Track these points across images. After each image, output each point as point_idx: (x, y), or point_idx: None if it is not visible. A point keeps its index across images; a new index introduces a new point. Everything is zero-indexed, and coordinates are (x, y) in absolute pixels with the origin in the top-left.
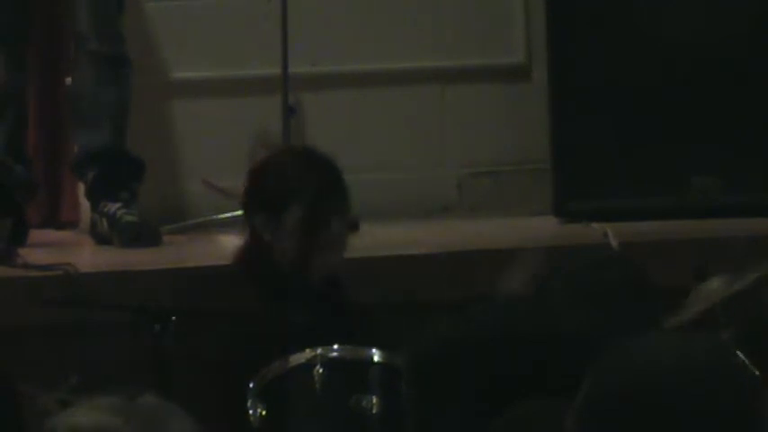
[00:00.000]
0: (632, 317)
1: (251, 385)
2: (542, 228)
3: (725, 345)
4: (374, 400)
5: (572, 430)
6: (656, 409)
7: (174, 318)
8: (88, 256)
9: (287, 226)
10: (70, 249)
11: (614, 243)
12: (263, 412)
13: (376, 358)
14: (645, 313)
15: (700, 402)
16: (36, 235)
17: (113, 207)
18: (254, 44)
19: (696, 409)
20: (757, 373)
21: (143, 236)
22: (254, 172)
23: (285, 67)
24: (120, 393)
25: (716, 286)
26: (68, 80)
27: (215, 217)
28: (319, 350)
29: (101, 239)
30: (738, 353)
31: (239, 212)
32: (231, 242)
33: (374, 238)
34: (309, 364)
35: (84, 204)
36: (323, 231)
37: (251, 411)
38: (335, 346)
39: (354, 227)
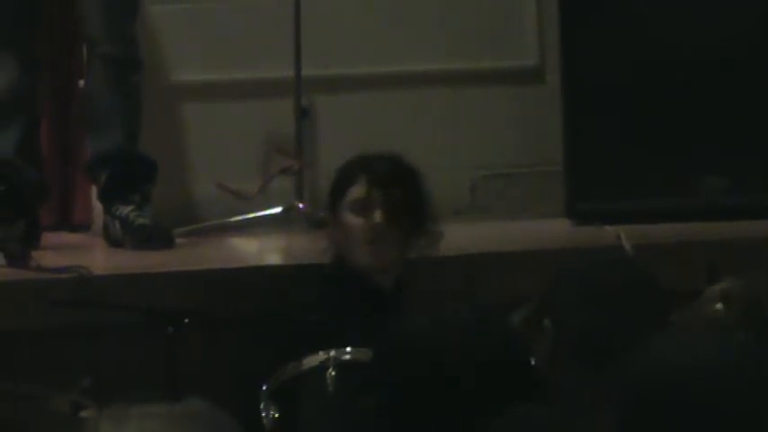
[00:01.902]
0: (638, 319)
1: (264, 387)
2: (555, 230)
3: (753, 343)
4: None
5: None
6: (690, 408)
7: (186, 320)
8: (101, 259)
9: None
10: (83, 252)
11: (627, 245)
12: (277, 414)
13: None
14: (652, 315)
15: (738, 401)
16: (49, 237)
17: (126, 210)
18: (267, 47)
19: (734, 408)
20: None
21: (155, 238)
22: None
23: (298, 69)
24: (162, 399)
25: (729, 287)
26: (81, 83)
27: (228, 220)
28: (332, 352)
29: (113, 242)
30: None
31: (252, 215)
32: (244, 244)
33: None
34: (322, 367)
35: (97, 207)
36: (364, 218)
37: (264, 414)
38: (348, 349)
39: None
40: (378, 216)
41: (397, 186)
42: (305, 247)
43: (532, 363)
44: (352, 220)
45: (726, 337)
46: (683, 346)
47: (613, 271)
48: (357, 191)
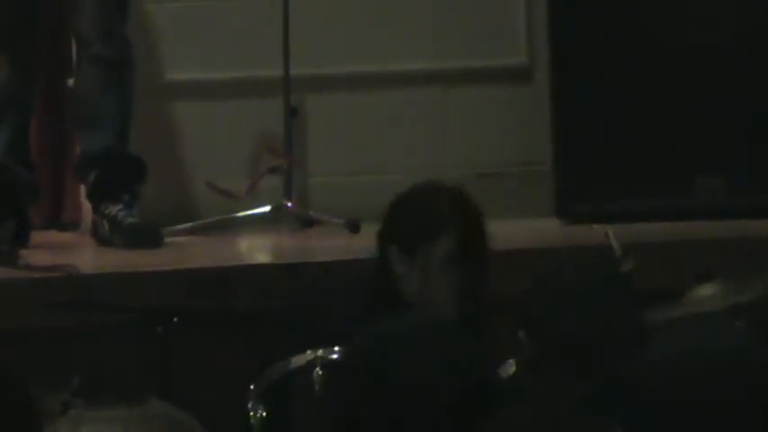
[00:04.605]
0: (612, 318)
1: (252, 387)
2: (544, 229)
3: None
4: None
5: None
6: (701, 396)
7: (176, 318)
8: (90, 258)
9: (422, 263)
10: (72, 251)
11: (616, 245)
12: (264, 414)
13: None
14: (624, 314)
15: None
16: (38, 236)
17: (114, 209)
18: (257, 46)
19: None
20: None
21: (144, 237)
22: (398, 204)
23: (287, 68)
24: (124, 400)
25: (713, 292)
26: (71, 82)
27: (217, 218)
28: (320, 352)
29: (102, 241)
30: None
31: (241, 214)
32: (233, 243)
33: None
34: (309, 366)
35: (87, 206)
36: (457, 272)
37: (252, 413)
38: (336, 348)
39: (356, 229)
40: (468, 271)
41: (481, 239)
42: (293, 246)
43: (498, 373)
44: (438, 273)
45: (722, 325)
46: (685, 338)
47: (582, 273)
48: (448, 245)
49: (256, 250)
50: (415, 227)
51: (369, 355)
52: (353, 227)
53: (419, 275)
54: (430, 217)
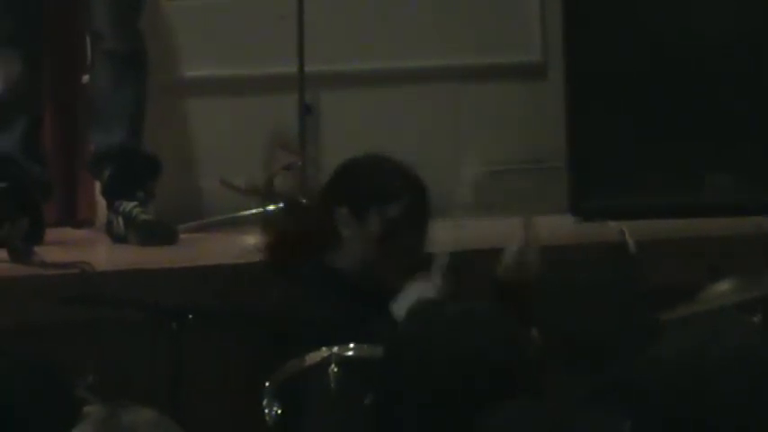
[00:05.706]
0: (619, 317)
1: (266, 384)
2: (559, 226)
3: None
4: None
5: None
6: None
7: (190, 316)
8: (104, 255)
9: (372, 226)
10: (86, 248)
11: (630, 241)
12: (279, 411)
13: None
14: (632, 312)
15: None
16: (53, 233)
17: (129, 206)
18: (271, 43)
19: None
20: None
21: (159, 234)
22: (346, 168)
23: (301, 65)
24: (109, 405)
25: (728, 288)
26: (85, 78)
27: (232, 215)
28: (335, 349)
29: (117, 238)
30: None
31: (255, 211)
32: (247, 240)
33: None
34: (324, 363)
35: (101, 203)
36: (403, 240)
37: (267, 410)
38: (351, 345)
39: None
40: (414, 239)
41: (427, 211)
42: None
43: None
44: (385, 238)
45: (736, 321)
46: (697, 335)
47: (596, 271)
48: (399, 210)
49: None
50: (372, 187)
51: (414, 339)
52: None
53: (363, 240)
54: (386, 179)
